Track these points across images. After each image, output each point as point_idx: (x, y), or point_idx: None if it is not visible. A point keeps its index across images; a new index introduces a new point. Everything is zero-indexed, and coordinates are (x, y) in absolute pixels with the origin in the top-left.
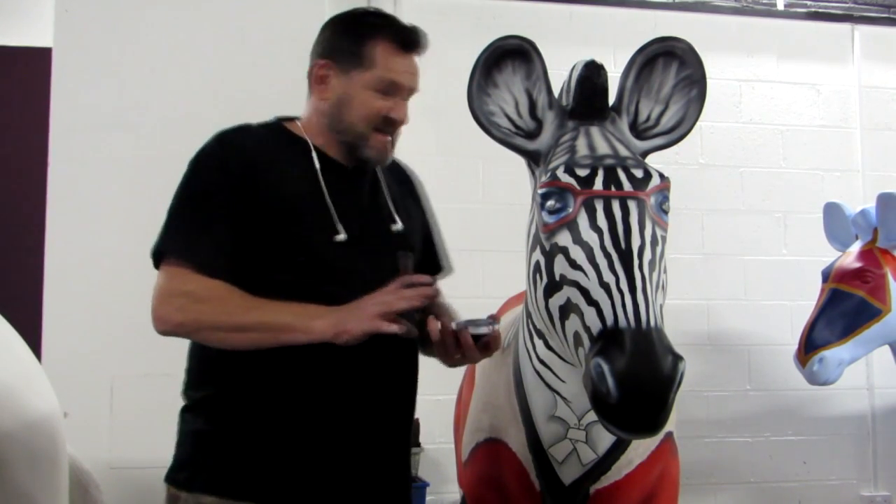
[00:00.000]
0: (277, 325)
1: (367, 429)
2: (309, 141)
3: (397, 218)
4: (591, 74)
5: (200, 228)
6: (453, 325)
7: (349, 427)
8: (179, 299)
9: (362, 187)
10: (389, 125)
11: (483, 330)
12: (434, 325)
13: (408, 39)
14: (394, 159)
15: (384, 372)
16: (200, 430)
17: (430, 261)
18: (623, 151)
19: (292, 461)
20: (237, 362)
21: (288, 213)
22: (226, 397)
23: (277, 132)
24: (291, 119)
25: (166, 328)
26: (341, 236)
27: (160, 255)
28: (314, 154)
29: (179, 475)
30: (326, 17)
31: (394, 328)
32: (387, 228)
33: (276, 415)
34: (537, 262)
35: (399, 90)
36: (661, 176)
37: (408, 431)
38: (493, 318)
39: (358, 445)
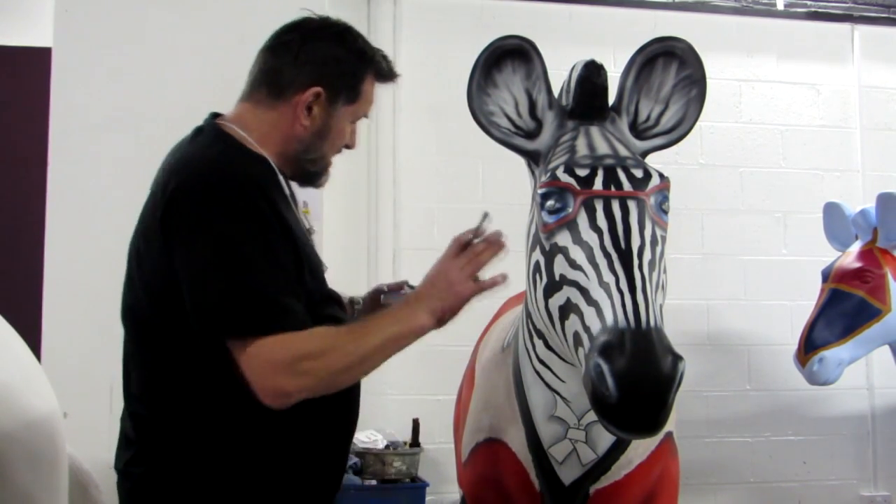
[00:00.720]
0: (393, 339)
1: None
2: (270, 161)
3: (311, 224)
4: (591, 74)
5: (286, 287)
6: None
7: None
8: (302, 363)
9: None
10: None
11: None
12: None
13: (389, 74)
14: None
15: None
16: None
17: None
18: (623, 151)
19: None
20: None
21: (301, 251)
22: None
23: (242, 152)
24: (220, 115)
25: (293, 398)
26: (326, 268)
27: (256, 327)
28: (281, 178)
29: None
30: None
31: (496, 282)
32: (310, 232)
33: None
34: (537, 262)
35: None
36: (661, 176)
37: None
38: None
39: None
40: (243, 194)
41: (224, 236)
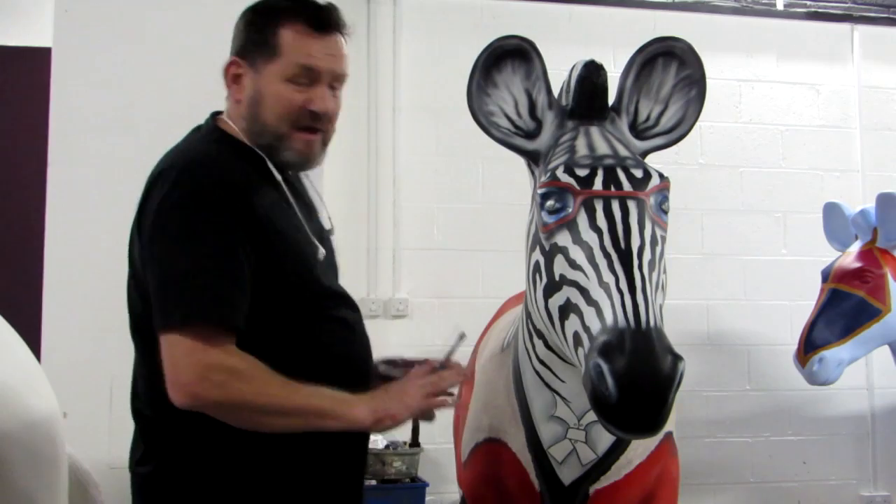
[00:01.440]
0: (319, 411)
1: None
2: (261, 153)
3: (328, 218)
4: (591, 74)
5: (228, 285)
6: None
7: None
8: (220, 375)
9: (298, 187)
10: (315, 120)
11: (395, 373)
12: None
13: (319, 18)
14: None
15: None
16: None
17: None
18: (623, 151)
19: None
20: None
21: (286, 246)
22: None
23: (227, 145)
24: (220, 113)
25: (197, 404)
26: (321, 253)
27: (184, 319)
28: (270, 164)
29: None
30: None
31: (445, 403)
32: (323, 228)
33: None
34: (537, 262)
35: (318, 77)
36: (661, 176)
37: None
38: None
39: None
40: (211, 191)
41: (179, 235)
